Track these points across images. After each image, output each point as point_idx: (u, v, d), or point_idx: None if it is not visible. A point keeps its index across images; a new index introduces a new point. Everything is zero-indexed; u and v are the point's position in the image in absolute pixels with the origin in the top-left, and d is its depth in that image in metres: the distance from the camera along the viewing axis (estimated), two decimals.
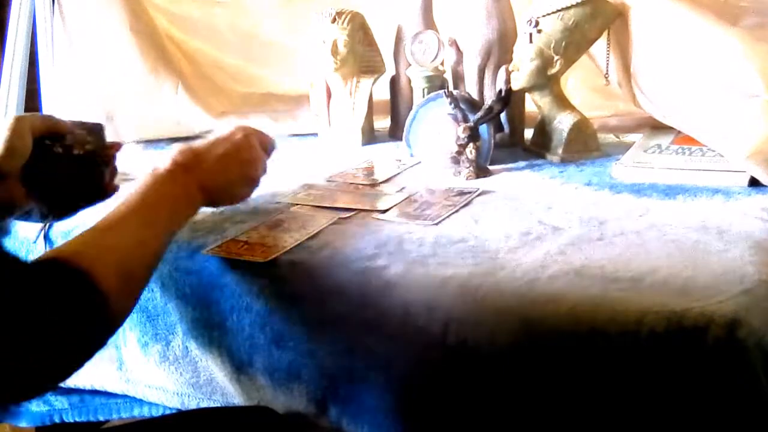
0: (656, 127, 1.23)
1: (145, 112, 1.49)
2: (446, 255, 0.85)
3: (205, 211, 1.05)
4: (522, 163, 1.22)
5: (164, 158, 0.86)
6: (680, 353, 0.67)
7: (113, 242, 0.77)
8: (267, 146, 0.98)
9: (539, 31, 1.18)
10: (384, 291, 0.80)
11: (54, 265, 0.70)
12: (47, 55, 1.49)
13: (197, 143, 0.91)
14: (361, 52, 1.40)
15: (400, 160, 1.26)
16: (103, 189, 0.98)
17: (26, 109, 1.47)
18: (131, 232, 0.79)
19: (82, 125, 1.01)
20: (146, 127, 1.45)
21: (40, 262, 0.70)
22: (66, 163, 0.94)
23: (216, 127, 1.50)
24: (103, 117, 1.47)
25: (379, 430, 0.83)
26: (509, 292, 0.76)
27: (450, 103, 1.16)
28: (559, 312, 0.72)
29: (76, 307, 0.68)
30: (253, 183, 0.95)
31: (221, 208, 1.00)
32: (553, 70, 1.19)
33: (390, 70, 1.45)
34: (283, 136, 1.49)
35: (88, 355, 0.71)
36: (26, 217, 0.98)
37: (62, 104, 1.48)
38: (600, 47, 1.22)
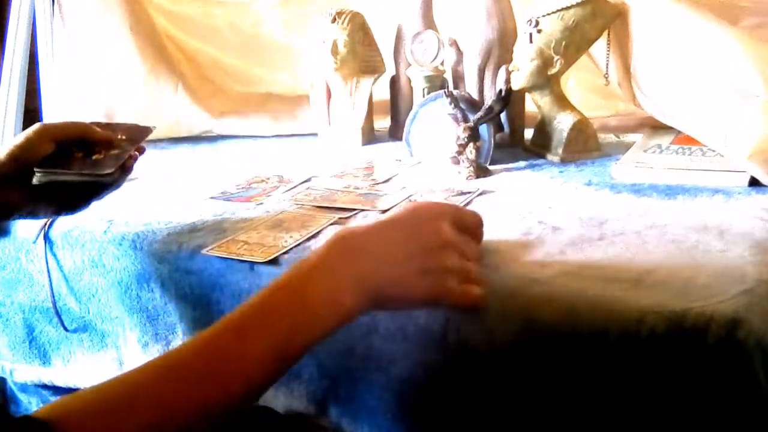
0: (656, 127, 1.23)
1: (145, 112, 1.49)
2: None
3: (205, 212, 1.05)
4: (522, 163, 1.22)
5: (316, 248, 0.66)
6: (680, 353, 0.67)
7: (124, 406, 0.56)
8: (470, 227, 0.75)
9: (539, 31, 1.18)
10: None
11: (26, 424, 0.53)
12: (47, 55, 1.49)
13: (361, 227, 0.68)
14: (361, 52, 1.40)
15: (400, 160, 1.26)
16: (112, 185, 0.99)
17: (26, 110, 1.47)
18: (174, 390, 0.57)
19: (128, 128, 1.01)
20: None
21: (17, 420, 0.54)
22: (81, 171, 0.93)
23: (215, 127, 1.52)
24: (103, 117, 1.48)
25: (379, 430, 0.83)
26: (509, 293, 0.76)
27: (450, 103, 1.16)
28: (559, 312, 0.72)
29: None
30: (443, 274, 0.69)
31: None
32: (553, 70, 1.19)
33: (390, 70, 1.45)
34: (283, 136, 1.50)
35: None
36: (31, 216, 0.98)
37: (62, 104, 1.48)
38: (600, 47, 1.22)
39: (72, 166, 0.93)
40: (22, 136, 0.92)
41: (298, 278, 0.64)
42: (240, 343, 0.59)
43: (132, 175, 1.03)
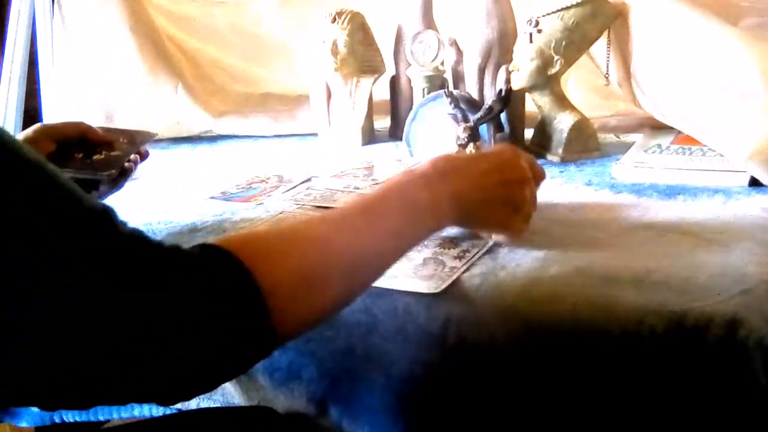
0: (656, 127, 1.23)
1: (145, 112, 1.49)
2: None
3: (205, 212, 1.05)
4: None
5: (422, 162, 0.77)
6: (680, 353, 0.67)
7: (302, 239, 0.64)
8: (537, 174, 0.84)
9: (539, 31, 1.18)
10: (384, 291, 0.80)
11: (205, 249, 0.59)
12: (47, 55, 1.49)
13: (460, 154, 0.82)
14: (361, 52, 1.40)
15: (400, 160, 1.26)
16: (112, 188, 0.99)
17: (26, 110, 1.47)
18: (334, 232, 0.66)
19: (130, 133, 1.01)
20: (146, 127, 1.44)
21: (194, 248, 0.59)
22: (78, 170, 0.93)
23: (215, 127, 1.52)
24: (103, 117, 1.48)
25: (379, 430, 0.83)
26: (509, 292, 0.76)
27: (450, 103, 1.16)
28: (559, 312, 0.72)
29: (220, 301, 0.56)
30: (516, 208, 0.81)
31: None
32: (553, 70, 1.19)
33: (390, 70, 1.45)
34: (283, 136, 1.50)
35: (229, 368, 0.59)
36: None
37: (62, 104, 1.48)
38: (600, 47, 1.22)
39: (70, 165, 0.93)
40: (20, 136, 0.93)
41: (408, 183, 0.74)
42: (366, 220, 0.69)
43: (133, 175, 1.03)
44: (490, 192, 0.78)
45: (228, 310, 0.56)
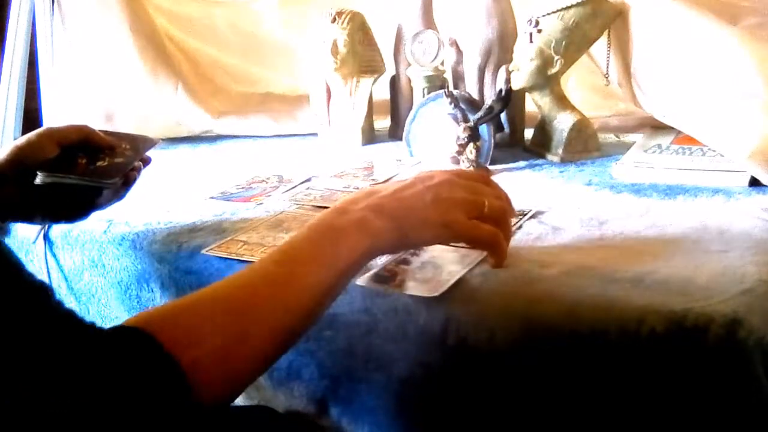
0: (656, 127, 1.23)
1: (145, 112, 1.49)
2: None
3: (205, 212, 1.05)
4: (522, 163, 1.22)
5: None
6: (680, 353, 0.67)
7: (219, 310, 0.62)
8: (475, 176, 0.82)
9: (539, 31, 1.18)
10: (384, 291, 0.80)
11: (127, 335, 0.58)
12: (47, 55, 1.49)
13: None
14: (361, 52, 1.40)
15: (400, 160, 1.26)
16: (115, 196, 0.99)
17: (26, 110, 1.47)
18: (253, 291, 0.64)
19: (133, 139, 1.01)
20: (146, 127, 1.44)
21: (117, 332, 0.59)
22: (83, 177, 0.93)
23: (215, 127, 1.52)
24: (103, 117, 1.48)
25: (379, 430, 0.83)
26: (509, 292, 0.76)
27: (450, 103, 1.16)
28: (559, 312, 0.72)
29: (144, 387, 0.55)
30: (448, 207, 0.74)
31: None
32: (553, 70, 1.19)
33: (390, 70, 1.45)
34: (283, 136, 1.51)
35: None
36: (28, 220, 0.98)
37: (62, 104, 1.48)
38: (600, 47, 1.22)
39: (75, 171, 0.92)
40: (23, 138, 0.92)
41: (319, 219, 0.72)
42: (283, 265, 0.66)
43: (135, 184, 1.03)
44: (416, 198, 0.73)
45: (152, 394, 0.56)
